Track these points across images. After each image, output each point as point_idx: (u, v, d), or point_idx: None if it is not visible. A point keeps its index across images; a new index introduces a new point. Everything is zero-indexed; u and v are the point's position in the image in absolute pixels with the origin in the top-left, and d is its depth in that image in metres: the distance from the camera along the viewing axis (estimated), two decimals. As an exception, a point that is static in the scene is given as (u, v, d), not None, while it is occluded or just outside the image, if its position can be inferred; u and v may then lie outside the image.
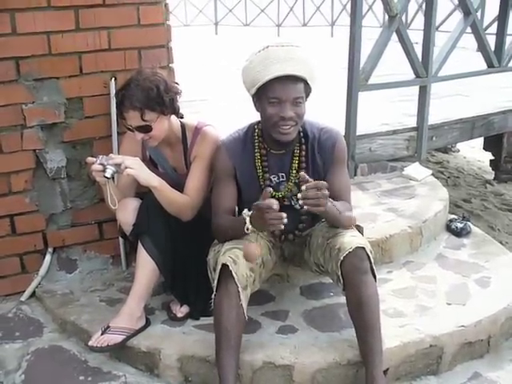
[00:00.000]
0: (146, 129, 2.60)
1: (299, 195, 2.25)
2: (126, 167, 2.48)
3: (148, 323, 2.71)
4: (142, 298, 2.66)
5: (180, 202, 2.66)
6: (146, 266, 2.65)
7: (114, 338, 2.56)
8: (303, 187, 2.25)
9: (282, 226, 2.25)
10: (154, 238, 2.64)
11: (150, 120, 2.58)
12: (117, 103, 2.64)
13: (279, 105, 2.41)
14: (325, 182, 2.28)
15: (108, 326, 2.59)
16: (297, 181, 2.58)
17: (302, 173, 2.32)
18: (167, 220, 2.65)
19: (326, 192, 2.27)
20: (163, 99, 2.58)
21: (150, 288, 2.69)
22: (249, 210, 2.37)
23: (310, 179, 2.27)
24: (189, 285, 2.78)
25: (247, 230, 2.36)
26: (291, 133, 2.46)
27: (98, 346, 2.54)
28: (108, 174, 2.48)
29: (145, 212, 2.65)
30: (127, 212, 2.69)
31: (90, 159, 2.51)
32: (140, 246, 2.65)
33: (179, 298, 2.82)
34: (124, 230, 2.76)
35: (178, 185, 2.73)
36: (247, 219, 2.35)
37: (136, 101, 2.53)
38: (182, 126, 2.79)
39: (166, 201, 2.62)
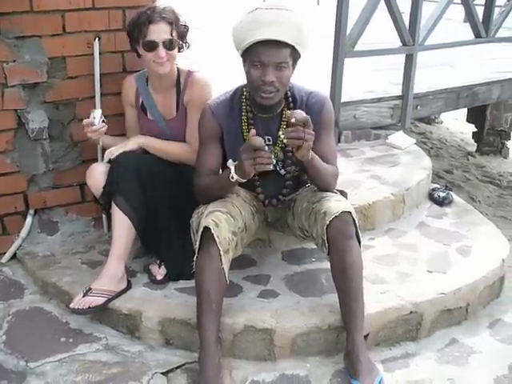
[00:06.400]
0: (172, 44, 2.68)
1: (280, 132, 2.25)
2: (113, 154, 2.68)
3: (129, 285, 2.71)
4: (121, 257, 2.66)
5: (178, 149, 2.82)
6: (121, 225, 2.65)
7: (96, 300, 2.56)
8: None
9: (271, 167, 2.26)
10: (125, 195, 2.64)
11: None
12: (139, 22, 2.68)
13: (262, 68, 2.38)
14: (307, 117, 2.26)
15: (89, 288, 2.59)
16: (283, 145, 2.57)
17: (290, 111, 2.32)
18: (138, 176, 2.67)
19: (312, 131, 2.26)
20: (185, 27, 2.79)
21: (129, 247, 2.69)
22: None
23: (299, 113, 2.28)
24: (161, 240, 2.79)
25: (232, 178, 2.36)
26: (272, 98, 2.44)
27: (80, 307, 2.54)
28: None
29: (114, 171, 2.66)
30: (95, 176, 2.74)
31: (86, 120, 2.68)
32: (113, 205, 2.66)
33: (152, 252, 2.87)
34: (95, 195, 2.78)
35: (164, 131, 2.85)
36: (232, 168, 2.35)
37: (168, 15, 2.67)
38: (178, 69, 2.86)
39: (161, 152, 2.79)
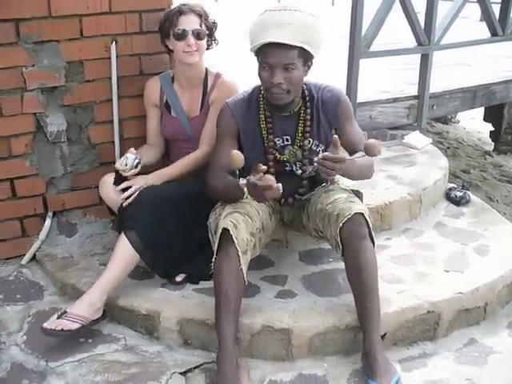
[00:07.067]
0: (201, 34, 2.78)
1: (315, 159, 2.27)
2: (136, 190, 2.69)
3: (105, 316, 2.62)
4: (106, 290, 2.57)
5: (188, 163, 2.86)
6: (125, 258, 2.58)
7: (69, 325, 2.46)
8: (320, 156, 2.27)
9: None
10: (141, 234, 2.58)
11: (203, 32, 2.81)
12: (170, 15, 2.79)
13: (270, 70, 2.40)
14: (343, 156, 2.28)
15: (65, 312, 2.51)
16: (301, 144, 2.59)
17: (336, 136, 2.31)
18: (157, 214, 2.63)
19: (344, 166, 2.26)
20: (214, 23, 2.88)
21: (118, 282, 2.60)
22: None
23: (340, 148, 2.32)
24: (180, 257, 2.75)
25: (247, 198, 2.37)
26: (283, 98, 2.45)
27: (52, 328, 2.45)
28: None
29: (132, 208, 2.64)
30: (107, 190, 2.77)
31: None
32: (123, 236, 2.59)
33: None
34: (109, 206, 2.80)
35: (186, 129, 2.92)
36: (245, 189, 2.33)
37: (198, 9, 2.79)
38: (206, 69, 2.92)
39: (173, 177, 2.83)
